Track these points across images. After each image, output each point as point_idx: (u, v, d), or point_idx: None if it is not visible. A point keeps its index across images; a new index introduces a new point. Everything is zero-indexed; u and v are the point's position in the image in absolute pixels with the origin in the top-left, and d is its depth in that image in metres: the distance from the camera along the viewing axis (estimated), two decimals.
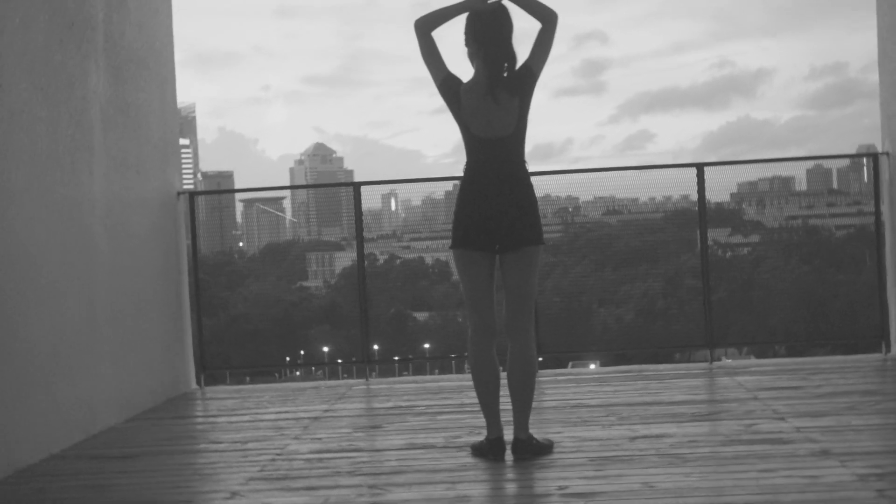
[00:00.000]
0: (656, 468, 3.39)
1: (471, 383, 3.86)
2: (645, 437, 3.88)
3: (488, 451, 3.69)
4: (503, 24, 3.67)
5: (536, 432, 3.95)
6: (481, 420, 4.15)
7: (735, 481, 3.18)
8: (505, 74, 3.64)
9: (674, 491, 3.11)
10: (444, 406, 4.81)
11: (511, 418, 3.81)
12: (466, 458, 3.70)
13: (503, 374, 3.77)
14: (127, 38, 5.10)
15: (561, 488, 3.21)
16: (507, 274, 3.70)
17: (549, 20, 3.65)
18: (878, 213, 5.73)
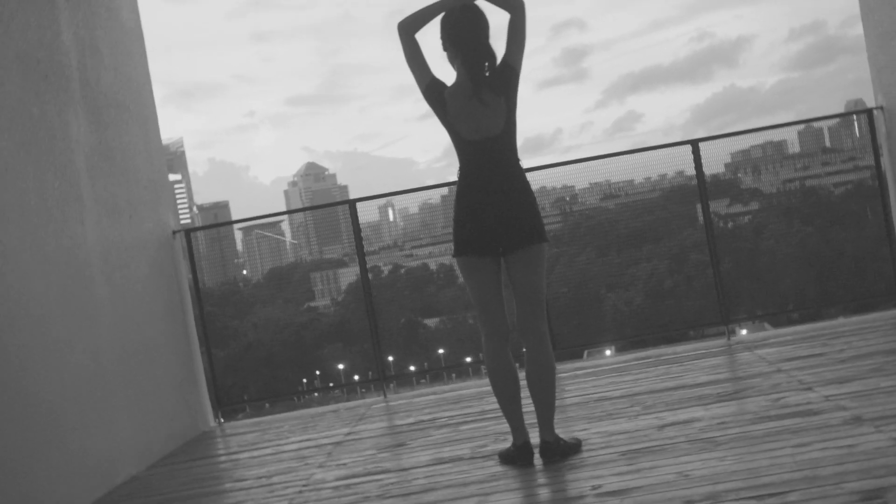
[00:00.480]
0: (689, 455, 3.32)
1: (490, 389, 3.80)
2: (673, 423, 3.82)
3: (516, 457, 3.63)
4: (477, 24, 3.60)
5: (563, 432, 3.89)
6: (505, 426, 4.09)
7: (771, 460, 3.11)
8: (486, 74, 3.57)
9: (710, 477, 3.04)
10: (465, 415, 4.75)
11: (535, 420, 3.75)
12: (495, 467, 3.63)
13: (521, 377, 3.71)
14: (103, 83, 5.04)
15: (595, 488, 3.15)
16: (513, 275, 3.64)
17: (515, 8, 3.59)
18: (878, 168, 5.67)
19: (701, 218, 6.11)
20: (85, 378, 4.38)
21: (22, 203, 4.07)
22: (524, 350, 3.66)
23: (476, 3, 3.64)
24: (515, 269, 3.62)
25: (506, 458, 3.68)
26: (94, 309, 4.60)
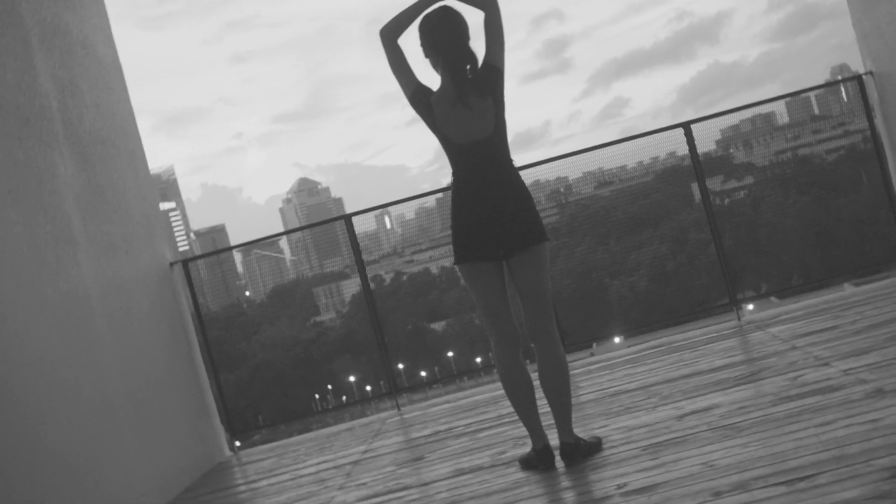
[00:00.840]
0: (712, 444, 3.27)
1: (503, 392, 3.74)
2: (692, 412, 3.76)
3: (537, 461, 3.57)
4: (456, 27, 3.54)
5: (582, 431, 3.84)
6: (523, 430, 4.05)
7: (796, 442, 3.05)
8: (470, 77, 3.52)
9: (736, 466, 2.98)
10: (482, 422, 4.69)
11: (552, 421, 3.70)
12: (517, 474, 3.58)
13: (534, 378, 3.66)
14: (86, 121, 4.99)
15: (620, 487, 3.09)
16: (517, 278, 3.58)
17: (488, 5, 3.53)
18: (874, 132, 5.61)
19: (697, 197, 6.08)
20: (94, 419, 4.33)
21: (14, 250, 4.02)
22: (535, 353, 3.61)
23: (450, 5, 3.59)
24: (519, 272, 3.56)
25: (527, 463, 3.63)
26: (97, 349, 4.55)
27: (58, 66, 4.84)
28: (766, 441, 3.15)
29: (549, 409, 3.61)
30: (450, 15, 3.53)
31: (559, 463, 3.55)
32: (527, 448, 3.82)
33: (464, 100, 3.47)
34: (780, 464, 2.90)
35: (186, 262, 5.80)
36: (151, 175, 6.22)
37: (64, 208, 4.53)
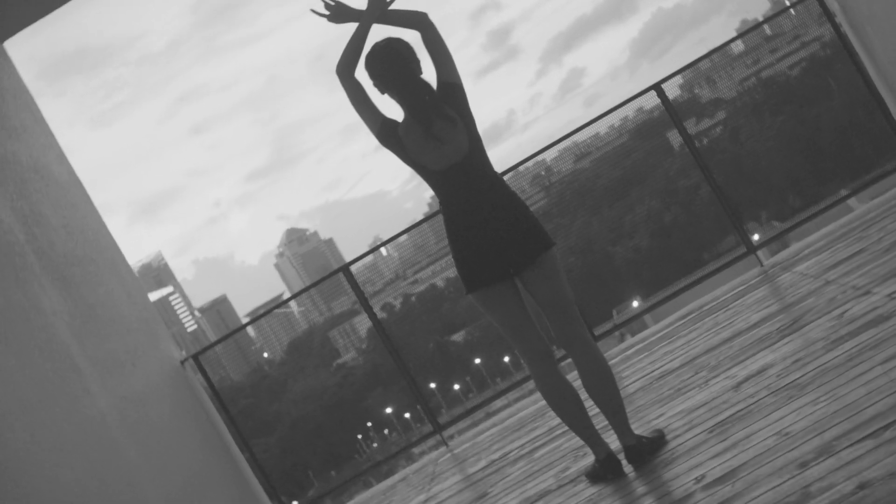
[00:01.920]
0: (779, 410, 3.10)
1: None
2: (747, 378, 3.59)
3: (605, 472, 3.40)
4: (399, 60, 3.37)
5: (640, 428, 3.68)
6: (579, 440, 3.88)
7: (865, 387, 2.89)
8: (430, 105, 3.35)
9: (812, 428, 2.82)
10: (534, 440, 4.52)
11: (605, 422, 3.54)
12: (588, 490, 3.41)
13: (577, 385, 3.50)
14: (58, 246, 4.84)
15: (698, 480, 2.93)
16: (534, 291, 3.42)
17: (421, 23, 3.38)
18: (843, 40, 5.48)
19: (676, 145, 5.95)
20: None
21: (20, 397, 3.86)
22: (574, 362, 3.44)
23: (392, 36, 3.44)
24: (534, 285, 3.40)
25: (594, 476, 3.46)
26: (128, 471, 4.39)
27: (15, 199, 4.69)
28: (833, 393, 2.99)
29: (598, 411, 3.45)
30: (391, 48, 3.37)
31: (627, 468, 3.38)
32: (589, 458, 3.65)
33: (431, 131, 3.31)
34: (856, 415, 2.73)
35: (197, 357, 5.63)
36: (138, 276, 6.07)
37: (59, 339, 4.38)
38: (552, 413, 4.59)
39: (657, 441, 3.43)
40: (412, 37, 3.47)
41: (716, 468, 2.94)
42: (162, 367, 5.32)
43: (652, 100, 5.52)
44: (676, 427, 3.52)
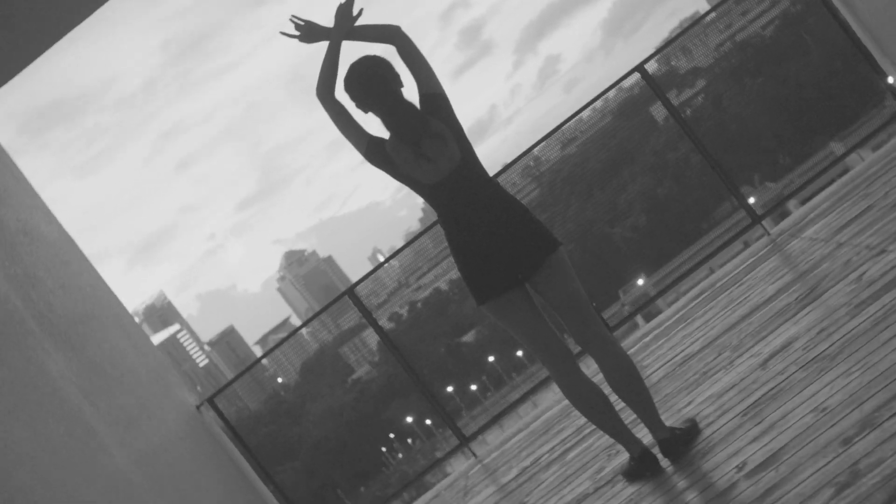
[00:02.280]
0: (812, 385, 3.02)
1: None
2: (773, 354, 3.51)
3: (642, 469, 3.32)
4: (377, 79, 3.28)
5: (671, 419, 3.60)
6: (609, 438, 3.80)
7: None
8: (414, 122, 3.27)
9: (848, 401, 2.74)
10: (564, 441, 4.44)
11: (633, 416, 3.45)
12: (626, 490, 3.33)
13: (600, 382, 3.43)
14: (56, 307, 4.75)
15: (740, 468, 2.84)
16: (546, 295, 3.33)
17: (395, 37, 3.31)
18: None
19: (660, 119, 5.87)
20: None
21: (38, 470, 3.78)
22: (596, 362, 3.36)
23: (370, 54, 3.36)
24: (546, 289, 3.31)
25: (631, 474, 3.38)
26: None
27: (8, 264, 4.61)
28: (865, 361, 2.91)
29: (624, 405, 3.36)
30: (366, 68, 3.29)
31: (664, 462, 3.30)
32: (623, 455, 3.57)
33: (419, 150, 3.23)
34: (894, 383, 2.65)
35: (212, 400, 5.54)
36: (143, 317, 6.01)
37: (70, 403, 4.29)
38: (577, 412, 4.51)
39: (691, 431, 3.34)
40: (387, 48, 3.41)
41: (756, 453, 2.85)
42: (178, 415, 5.23)
43: (629, 79, 5.44)
44: (708, 414, 3.44)
